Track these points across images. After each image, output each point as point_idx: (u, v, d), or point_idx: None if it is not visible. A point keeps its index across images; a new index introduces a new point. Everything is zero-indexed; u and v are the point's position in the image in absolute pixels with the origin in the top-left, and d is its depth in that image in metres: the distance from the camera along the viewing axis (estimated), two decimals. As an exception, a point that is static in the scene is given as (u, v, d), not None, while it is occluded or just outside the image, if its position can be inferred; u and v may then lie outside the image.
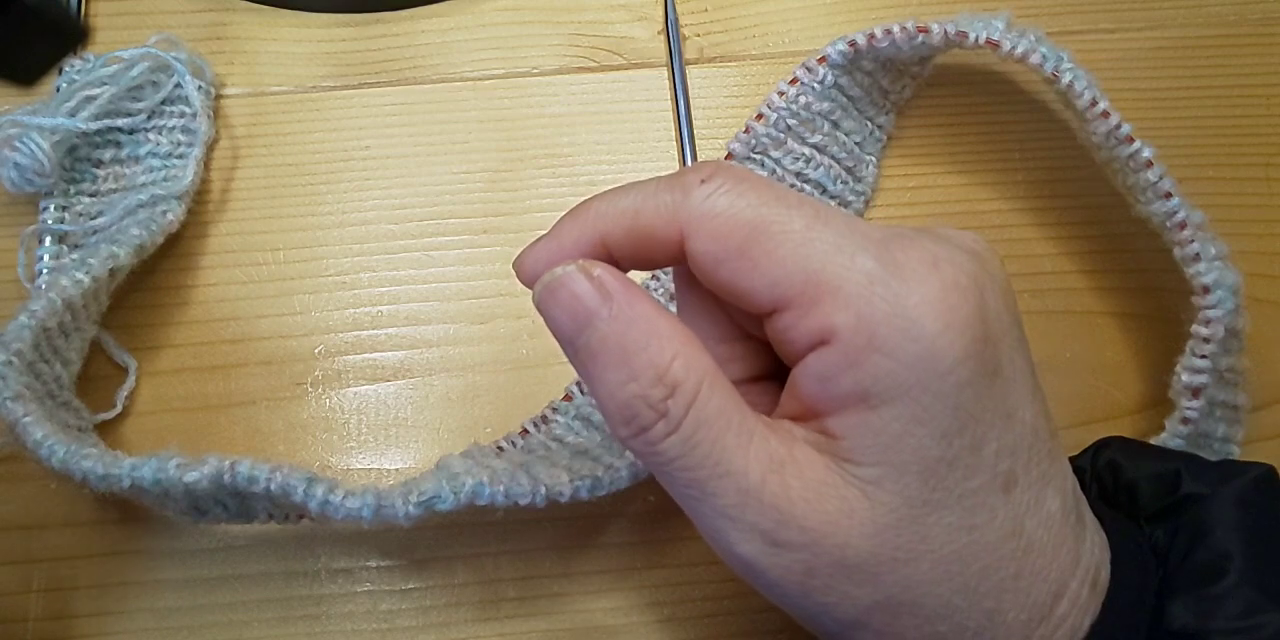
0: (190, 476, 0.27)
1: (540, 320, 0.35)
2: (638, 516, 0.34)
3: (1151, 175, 0.32)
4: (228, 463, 0.27)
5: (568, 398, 0.34)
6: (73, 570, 0.33)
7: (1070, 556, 0.23)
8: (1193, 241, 0.31)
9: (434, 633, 0.32)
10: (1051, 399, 0.35)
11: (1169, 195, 0.32)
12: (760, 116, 0.36)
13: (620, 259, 0.24)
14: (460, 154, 0.38)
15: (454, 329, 0.36)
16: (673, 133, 0.38)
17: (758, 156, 0.36)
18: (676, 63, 0.39)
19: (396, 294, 0.36)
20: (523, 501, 0.28)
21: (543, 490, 0.29)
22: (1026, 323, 0.31)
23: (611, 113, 0.39)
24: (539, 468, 0.30)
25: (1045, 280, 0.37)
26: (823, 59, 0.35)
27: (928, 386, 0.21)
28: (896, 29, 0.34)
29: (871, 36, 0.34)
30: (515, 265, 0.24)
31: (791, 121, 0.36)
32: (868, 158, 0.37)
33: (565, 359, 0.35)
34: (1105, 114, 0.32)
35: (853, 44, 0.34)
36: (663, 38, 0.40)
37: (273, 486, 0.27)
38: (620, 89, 0.39)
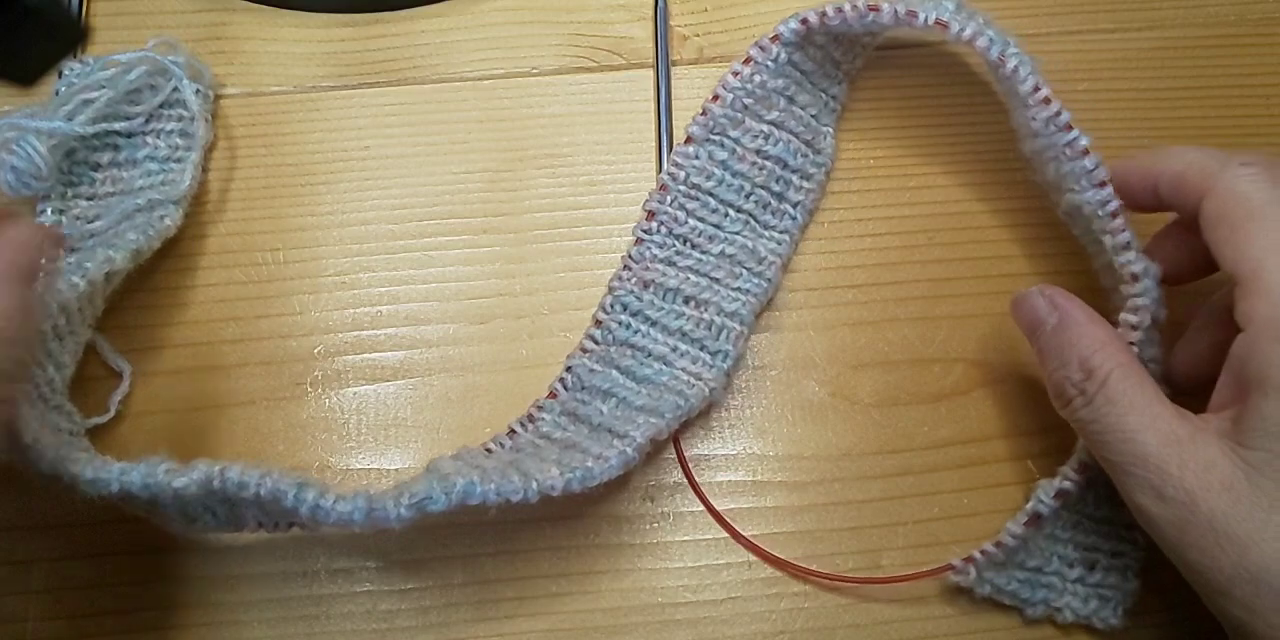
0: (179, 482, 0.27)
1: (540, 320, 0.36)
2: (635, 517, 0.34)
3: (1088, 163, 0.32)
4: (217, 468, 0.27)
5: (552, 395, 0.34)
6: (73, 570, 0.33)
7: None
8: (1124, 230, 0.31)
9: (432, 633, 0.32)
10: (1029, 398, 0.35)
11: (1103, 183, 0.32)
12: (716, 98, 0.36)
13: (1162, 195, 0.31)
14: (460, 154, 0.38)
15: (454, 329, 0.36)
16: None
17: (717, 137, 0.36)
18: (662, 60, 0.39)
19: (396, 294, 0.36)
20: (514, 497, 0.28)
21: (534, 485, 0.29)
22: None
23: (611, 113, 0.39)
24: (528, 464, 0.30)
25: (1035, 280, 0.37)
26: (776, 37, 0.35)
27: None
28: (848, 7, 0.34)
29: (823, 14, 0.34)
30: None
31: (748, 101, 0.36)
32: (824, 129, 0.38)
33: (564, 359, 0.35)
34: (1046, 100, 0.32)
35: (805, 21, 0.35)
36: (662, 38, 0.40)
37: (262, 491, 0.27)
38: (620, 89, 0.39)
